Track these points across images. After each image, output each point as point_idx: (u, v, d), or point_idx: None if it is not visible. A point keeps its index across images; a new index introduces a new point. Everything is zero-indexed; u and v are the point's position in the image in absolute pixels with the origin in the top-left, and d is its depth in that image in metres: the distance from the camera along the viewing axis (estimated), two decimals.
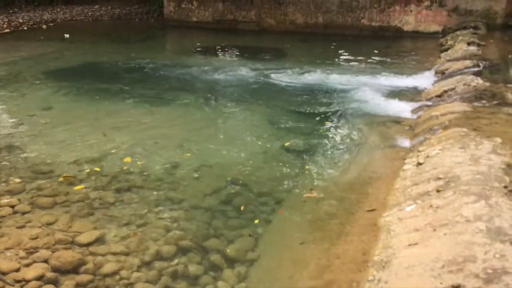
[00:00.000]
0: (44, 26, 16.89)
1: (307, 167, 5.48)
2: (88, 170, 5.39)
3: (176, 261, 3.80)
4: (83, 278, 3.56)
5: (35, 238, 4.01)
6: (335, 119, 7.12)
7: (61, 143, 6.22)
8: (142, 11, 19.57)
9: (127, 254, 3.86)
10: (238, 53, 12.96)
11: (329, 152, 5.92)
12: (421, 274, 2.79)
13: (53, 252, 3.84)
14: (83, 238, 4.04)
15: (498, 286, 2.48)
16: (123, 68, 10.88)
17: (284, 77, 9.77)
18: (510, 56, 9.44)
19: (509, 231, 2.98)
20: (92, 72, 10.61)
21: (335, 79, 9.53)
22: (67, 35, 15.04)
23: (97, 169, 5.42)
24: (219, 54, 12.94)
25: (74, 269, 3.68)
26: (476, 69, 8.16)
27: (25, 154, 5.83)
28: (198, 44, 14.29)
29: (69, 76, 10.20)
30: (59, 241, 3.99)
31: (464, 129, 5.14)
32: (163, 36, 17.03)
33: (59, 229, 4.19)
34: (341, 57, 12.03)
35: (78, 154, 5.82)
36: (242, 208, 4.58)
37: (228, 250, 3.93)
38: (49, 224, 4.27)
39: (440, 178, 4.07)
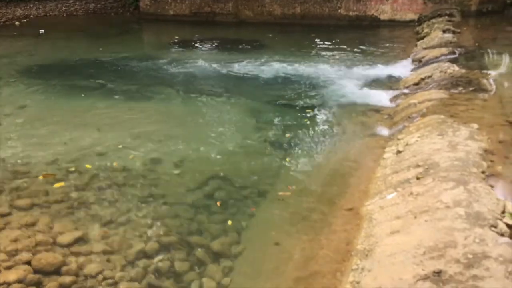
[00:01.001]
0: (17, 23, 16.49)
1: (288, 159, 5.49)
2: (67, 169, 5.30)
3: (160, 258, 3.77)
4: (65, 279, 3.51)
5: (16, 241, 3.93)
6: (315, 110, 7.14)
7: (38, 142, 6.10)
8: (117, 5, 19.24)
9: (110, 253, 3.82)
10: (216, 46, 12.86)
11: (310, 143, 5.94)
12: (403, 261, 2.83)
13: (34, 254, 3.77)
14: (64, 239, 3.97)
15: (478, 270, 2.53)
16: (99, 64, 10.70)
17: (263, 69, 9.74)
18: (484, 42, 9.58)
19: (487, 215, 3.04)
20: (68, 69, 10.41)
21: (314, 69, 9.55)
22: (42, 31, 14.71)
23: (76, 167, 5.33)
24: (197, 47, 12.82)
25: (56, 271, 3.62)
26: (452, 56, 8.27)
27: (1, 155, 5.70)
28: (176, 37, 14.12)
29: (44, 73, 9.99)
30: (40, 243, 3.92)
31: (442, 116, 5.21)
32: (140, 30, 16.79)
33: (40, 230, 4.12)
34: (319, 47, 12.04)
35: (56, 153, 5.71)
36: (218, 204, 4.54)
37: (212, 245, 3.91)
38: (29, 225, 4.19)
39: (419, 166, 4.12)
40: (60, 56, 11.56)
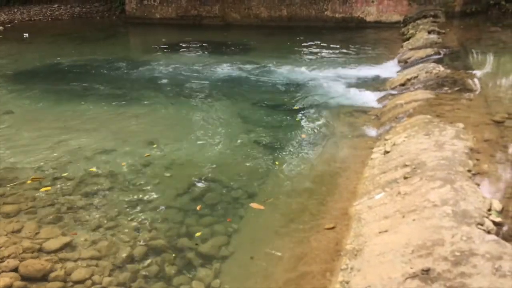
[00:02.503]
0: (0, 28, 16.30)
1: (276, 160, 5.50)
2: (53, 174, 5.24)
3: (149, 262, 3.74)
4: (53, 285, 3.47)
5: (1, 247, 3.87)
6: (303, 111, 7.16)
7: (24, 148, 6.03)
8: (103, 9, 19.15)
9: (98, 259, 3.78)
10: (203, 49, 12.85)
11: (299, 144, 5.95)
12: (392, 260, 2.84)
13: (21, 261, 3.72)
14: (51, 245, 3.92)
15: (466, 268, 2.55)
16: (86, 68, 10.63)
17: (251, 72, 9.76)
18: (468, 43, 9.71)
19: (474, 213, 3.07)
20: (53, 73, 10.33)
21: (302, 71, 9.59)
22: (26, 35, 14.58)
23: (64, 173, 5.28)
24: (184, 51, 12.80)
25: (43, 277, 3.57)
26: (437, 56, 8.37)
27: None
28: (163, 41, 14.09)
29: (30, 78, 9.89)
30: (26, 249, 3.86)
31: (428, 116, 5.26)
32: (126, 34, 16.72)
33: (26, 237, 4.07)
34: (306, 49, 12.09)
35: (43, 159, 5.65)
36: (198, 208, 4.52)
37: (201, 248, 3.90)
38: (15, 232, 4.13)
39: (407, 165, 4.15)
40: (45, 60, 11.45)
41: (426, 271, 2.60)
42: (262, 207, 4.36)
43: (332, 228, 3.88)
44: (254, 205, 4.43)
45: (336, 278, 3.08)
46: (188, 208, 4.54)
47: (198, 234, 4.06)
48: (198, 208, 4.51)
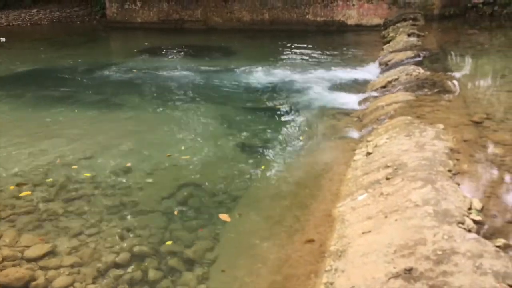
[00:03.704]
0: None
1: (260, 163, 5.50)
2: (33, 181, 5.16)
3: (132, 268, 3.70)
4: None
5: None
6: (286, 114, 7.19)
7: (3, 154, 5.92)
8: (83, 13, 18.97)
9: (80, 266, 3.72)
10: (186, 53, 12.82)
11: (282, 148, 5.97)
12: (375, 260, 2.86)
13: (1, 269, 3.64)
14: (32, 253, 3.86)
15: (447, 266, 2.58)
16: (66, 74, 10.50)
17: (234, 76, 9.77)
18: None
19: (455, 212, 3.12)
20: (33, 79, 10.18)
21: (284, 75, 9.63)
22: (3, 39, 14.35)
23: (44, 179, 5.20)
24: (167, 55, 12.75)
25: (24, 286, 3.51)
26: (417, 59, 8.49)
27: None
28: (145, 45, 14.01)
29: (8, 84, 9.74)
30: (6, 257, 3.79)
31: (409, 118, 5.33)
32: (107, 39, 16.58)
33: (6, 245, 3.99)
34: (288, 53, 12.15)
35: (23, 165, 5.56)
36: (175, 212, 4.49)
37: (186, 253, 3.87)
38: None
39: (388, 166, 4.19)
40: (24, 66, 11.29)
41: (409, 270, 2.62)
42: (229, 219, 4.28)
43: (316, 230, 3.89)
44: (222, 216, 4.37)
45: (320, 280, 3.09)
46: (172, 213, 4.51)
47: (169, 243, 4.00)
48: (175, 213, 4.49)
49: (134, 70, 10.52)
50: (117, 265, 3.74)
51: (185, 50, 13.15)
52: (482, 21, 12.93)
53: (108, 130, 6.83)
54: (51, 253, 3.89)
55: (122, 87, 9.27)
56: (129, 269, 3.68)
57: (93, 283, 3.54)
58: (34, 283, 3.53)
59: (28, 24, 17.93)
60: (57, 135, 6.59)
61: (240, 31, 15.41)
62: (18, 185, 5.03)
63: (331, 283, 2.94)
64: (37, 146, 6.15)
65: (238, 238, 4.11)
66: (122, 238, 4.09)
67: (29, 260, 3.79)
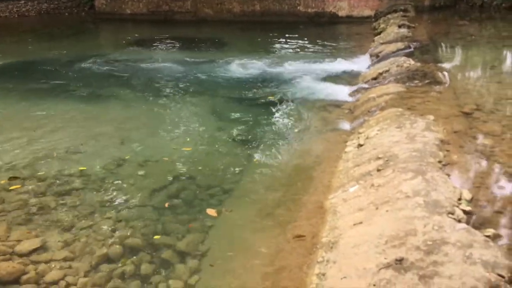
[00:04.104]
0: None
1: (251, 156, 5.50)
2: (24, 175, 5.11)
3: (124, 261, 3.69)
4: None
5: None
6: (277, 106, 7.19)
7: None
8: (71, 5, 18.73)
9: (72, 260, 3.71)
10: (176, 45, 12.73)
11: (273, 140, 5.97)
12: (366, 251, 2.89)
13: None
14: (23, 247, 3.83)
15: (438, 256, 2.61)
16: (55, 66, 10.38)
17: (224, 67, 9.73)
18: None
19: (445, 203, 3.15)
20: (22, 72, 10.06)
21: (275, 66, 9.61)
22: None
23: (34, 173, 5.16)
24: (157, 47, 12.65)
25: (16, 280, 3.49)
26: (408, 50, 8.51)
27: None
28: (134, 37, 13.89)
29: None
30: None
31: (400, 109, 5.35)
32: (96, 30, 16.41)
33: None
34: (279, 44, 12.12)
35: (12, 159, 5.51)
36: (166, 205, 4.49)
37: (178, 245, 3.87)
38: None
39: (379, 158, 4.22)
40: (12, 58, 11.15)
41: (400, 260, 2.65)
42: (215, 215, 4.27)
43: (308, 221, 3.91)
44: (210, 211, 4.35)
45: (312, 271, 3.12)
46: (163, 206, 4.50)
47: (157, 237, 4.00)
48: (166, 205, 4.48)
49: (123, 62, 10.44)
50: (109, 259, 3.73)
51: (175, 42, 13.06)
52: (472, 12, 12.99)
53: (98, 123, 6.78)
54: (42, 247, 3.87)
55: (111, 80, 9.20)
56: (121, 263, 3.67)
57: (86, 276, 3.53)
58: (25, 277, 3.51)
59: (16, 16, 17.68)
60: (47, 128, 6.53)
61: (230, 23, 15.33)
62: (10, 179, 4.99)
63: (323, 274, 2.96)
64: (27, 140, 6.09)
65: (231, 230, 4.12)
66: (114, 231, 4.08)
67: (20, 255, 3.76)
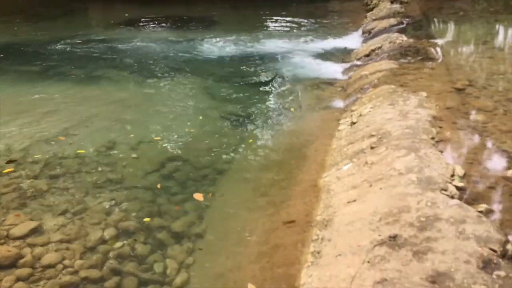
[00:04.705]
0: None
1: (244, 135, 5.49)
2: (16, 159, 5.08)
3: (120, 243, 3.71)
4: (22, 272, 3.40)
5: None
6: (270, 85, 7.15)
7: None
8: None
9: (67, 242, 3.72)
10: (167, 24, 12.56)
11: (267, 119, 5.96)
12: (360, 228, 2.91)
13: None
14: (18, 231, 3.83)
15: (431, 232, 2.64)
16: (44, 47, 10.21)
17: (216, 47, 9.63)
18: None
19: (438, 179, 3.17)
20: (10, 54, 9.88)
21: (267, 45, 9.53)
22: None
23: (26, 157, 5.12)
24: (147, 27, 12.47)
25: (12, 264, 3.49)
26: (400, 26, 8.46)
27: None
28: (124, 17, 13.66)
29: None
30: None
31: (392, 86, 5.34)
32: (85, 10, 16.11)
33: None
34: (271, 22, 11.99)
35: (4, 143, 5.46)
36: (158, 186, 4.49)
37: (173, 226, 3.89)
38: None
39: (373, 135, 4.22)
40: (0, 40, 10.94)
41: (394, 237, 2.68)
42: (202, 199, 4.26)
43: (302, 200, 3.93)
44: (197, 195, 4.33)
45: (307, 249, 3.15)
46: (157, 188, 4.50)
47: (146, 219, 3.99)
48: (159, 186, 4.48)
49: (113, 43, 10.29)
50: (104, 241, 3.74)
51: (166, 21, 12.87)
52: None
53: (90, 105, 6.71)
54: (38, 230, 3.86)
55: (102, 61, 9.08)
56: (118, 245, 3.68)
57: (82, 259, 3.54)
58: (21, 261, 3.51)
59: None
60: (39, 111, 6.45)
61: (221, 2, 15.12)
62: (8, 162, 4.95)
63: (318, 252, 2.99)
64: (19, 123, 6.02)
65: (225, 210, 4.13)
66: (108, 214, 4.08)
67: (16, 238, 3.75)
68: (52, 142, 5.48)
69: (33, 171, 4.84)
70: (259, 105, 6.42)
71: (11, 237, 3.79)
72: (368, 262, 2.57)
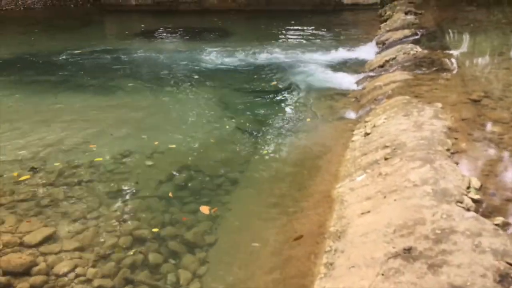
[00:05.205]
0: None
1: (258, 145, 5.49)
2: (32, 167, 5.14)
3: (133, 251, 3.72)
4: (36, 279, 3.43)
5: None
6: (283, 96, 7.16)
7: (1, 139, 5.89)
8: None
9: (81, 250, 3.74)
10: (182, 36, 12.69)
11: (280, 129, 5.96)
12: (374, 240, 2.88)
13: (1, 256, 3.66)
14: (32, 238, 3.87)
15: (446, 245, 2.60)
16: (61, 58, 10.38)
17: (230, 57, 9.69)
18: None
19: (454, 191, 3.13)
20: (28, 64, 10.06)
21: (281, 55, 9.56)
22: None
23: (42, 165, 5.18)
24: (162, 38, 12.61)
25: (26, 271, 3.53)
26: (415, 37, 8.42)
27: None
28: (140, 28, 13.84)
29: (2, 69, 9.62)
30: (7, 244, 3.80)
31: (407, 97, 5.31)
32: (102, 22, 16.36)
33: (6, 231, 4.00)
34: (285, 33, 12.04)
35: (20, 151, 5.54)
36: (170, 194, 4.51)
37: (186, 236, 3.89)
38: None
39: (387, 146, 4.19)
40: (19, 51, 11.15)
41: (408, 250, 2.64)
42: (208, 213, 4.23)
43: (315, 211, 3.91)
44: (203, 208, 4.30)
45: (320, 260, 3.12)
46: (170, 197, 4.52)
47: (155, 230, 4.00)
48: (170, 194, 4.50)
49: (129, 54, 10.42)
50: (118, 249, 3.75)
51: (181, 32, 13.00)
52: None
53: (105, 114, 6.79)
54: (52, 238, 3.90)
55: (118, 71, 9.19)
56: (131, 253, 3.70)
57: (95, 267, 3.56)
58: (35, 268, 3.55)
59: (21, 8, 17.67)
60: (53, 120, 6.55)
61: (235, 12, 15.24)
62: (31, 170, 5.04)
63: (331, 263, 2.97)
64: (35, 132, 6.11)
65: (238, 220, 4.13)
66: (122, 222, 4.10)
67: (30, 246, 3.80)
68: (68, 151, 5.54)
69: (49, 179, 4.90)
70: (273, 115, 6.43)
71: (25, 245, 3.83)
72: (382, 274, 2.53)
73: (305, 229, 3.68)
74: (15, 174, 4.98)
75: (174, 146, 5.60)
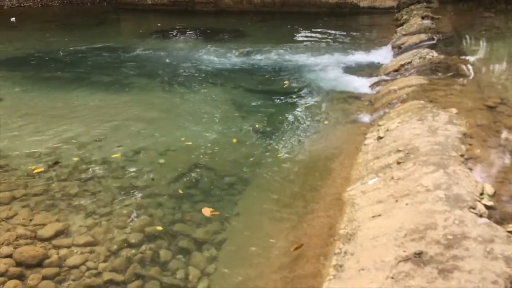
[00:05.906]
0: None
1: (270, 146, 5.50)
2: (47, 162, 5.21)
3: (144, 248, 3.76)
4: (48, 271, 3.49)
5: None
6: (297, 98, 7.16)
7: (16, 135, 5.98)
8: None
9: (92, 245, 3.79)
10: (197, 35, 12.75)
11: (293, 131, 5.96)
12: (385, 244, 2.87)
13: (15, 248, 3.72)
14: (45, 232, 3.93)
15: (458, 251, 2.58)
16: (77, 55, 10.50)
17: (245, 58, 9.71)
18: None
19: (467, 197, 3.10)
20: (44, 61, 10.19)
21: (296, 57, 9.55)
22: (13, 19, 14.41)
23: (56, 160, 5.25)
24: (178, 37, 12.68)
25: (39, 263, 3.59)
26: (431, 42, 8.36)
27: None
28: (155, 27, 13.94)
29: (20, 65, 9.77)
30: (21, 236, 3.86)
31: (421, 102, 5.27)
32: (118, 21, 16.50)
33: (20, 224, 4.06)
34: (300, 35, 12.03)
35: (35, 146, 5.62)
36: (180, 191, 4.55)
37: (196, 234, 3.91)
38: (9, 219, 4.13)
39: (400, 151, 4.17)
40: (36, 47, 11.30)
41: (419, 254, 2.63)
42: (209, 215, 4.22)
43: (326, 213, 3.90)
44: (204, 210, 4.29)
45: (330, 262, 3.11)
46: (183, 194, 4.55)
47: (159, 228, 4.02)
48: (180, 191, 4.53)
49: (145, 52, 10.50)
50: (129, 244, 3.79)
51: (196, 32, 13.07)
52: (497, 4, 12.63)
53: (120, 111, 6.85)
54: (64, 232, 3.96)
55: (134, 69, 9.27)
56: (141, 249, 3.73)
57: (105, 261, 3.60)
58: (48, 260, 3.60)
59: (39, 6, 17.90)
60: (68, 116, 6.63)
61: (251, 14, 15.27)
62: (52, 165, 5.11)
63: (340, 266, 2.96)
64: (49, 127, 6.19)
65: (248, 220, 4.14)
66: (134, 218, 4.14)
67: (43, 239, 3.85)
68: (81, 147, 5.61)
69: (63, 174, 4.96)
70: (285, 116, 6.43)
71: (38, 238, 3.88)
72: (392, 278, 2.52)
73: (315, 231, 3.68)
74: (33, 167, 5.05)
75: (186, 144, 5.63)
